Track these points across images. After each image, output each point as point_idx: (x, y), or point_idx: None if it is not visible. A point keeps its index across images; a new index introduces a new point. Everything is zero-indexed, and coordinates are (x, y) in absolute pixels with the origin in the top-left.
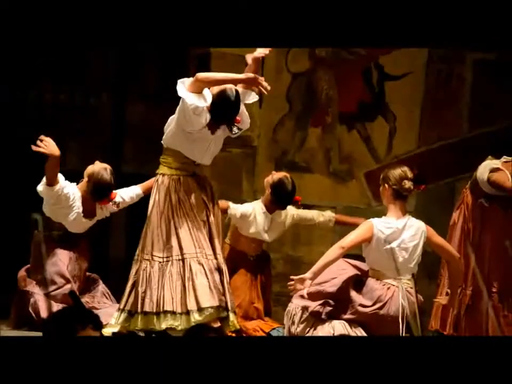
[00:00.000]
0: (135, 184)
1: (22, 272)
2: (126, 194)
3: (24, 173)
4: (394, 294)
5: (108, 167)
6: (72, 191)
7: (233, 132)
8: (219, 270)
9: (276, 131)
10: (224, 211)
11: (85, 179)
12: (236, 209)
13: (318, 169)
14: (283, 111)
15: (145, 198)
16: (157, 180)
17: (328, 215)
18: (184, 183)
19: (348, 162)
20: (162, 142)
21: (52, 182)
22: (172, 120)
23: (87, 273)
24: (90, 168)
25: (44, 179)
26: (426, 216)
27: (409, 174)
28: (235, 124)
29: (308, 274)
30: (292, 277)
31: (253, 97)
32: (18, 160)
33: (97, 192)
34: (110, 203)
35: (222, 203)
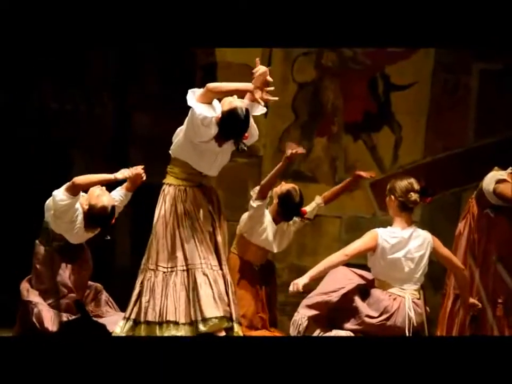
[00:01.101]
0: (139, 191)
1: (24, 283)
2: (116, 199)
3: (23, 176)
4: (401, 305)
5: (111, 203)
6: (78, 206)
7: (240, 149)
8: (224, 280)
9: (282, 141)
10: (264, 195)
11: (86, 204)
12: (263, 205)
13: (324, 179)
14: (289, 120)
15: (150, 207)
16: (163, 190)
17: (316, 202)
18: (190, 193)
19: (354, 172)
20: (170, 151)
21: (75, 193)
22: (180, 131)
23: (90, 282)
24: (93, 199)
25: (67, 185)
26: (432, 226)
27: (416, 186)
28: (243, 140)
29: (305, 278)
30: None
31: (261, 110)
32: (18, 162)
33: (95, 222)
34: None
35: (265, 187)
